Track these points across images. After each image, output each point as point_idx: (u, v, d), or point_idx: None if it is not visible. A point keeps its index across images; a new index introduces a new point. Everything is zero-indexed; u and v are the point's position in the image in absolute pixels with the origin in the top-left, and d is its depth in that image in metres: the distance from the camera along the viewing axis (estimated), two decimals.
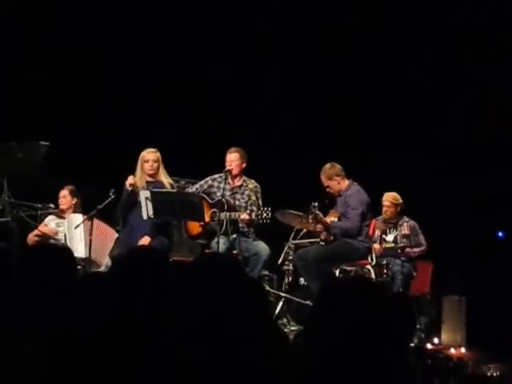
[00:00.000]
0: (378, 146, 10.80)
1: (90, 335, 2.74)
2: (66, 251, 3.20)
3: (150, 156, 8.37)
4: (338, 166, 8.81)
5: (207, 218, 8.45)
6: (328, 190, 8.83)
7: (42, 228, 8.87)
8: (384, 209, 9.64)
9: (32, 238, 8.74)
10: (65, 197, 8.97)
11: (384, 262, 9.26)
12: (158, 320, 2.76)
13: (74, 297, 2.94)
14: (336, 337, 2.29)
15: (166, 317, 2.75)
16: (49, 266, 2.89)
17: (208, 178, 8.77)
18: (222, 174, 8.62)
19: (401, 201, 9.61)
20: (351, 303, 2.31)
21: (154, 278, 2.95)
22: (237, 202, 8.61)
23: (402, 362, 2.32)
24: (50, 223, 8.94)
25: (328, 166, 8.82)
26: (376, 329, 2.26)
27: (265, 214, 8.17)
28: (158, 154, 8.41)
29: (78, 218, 8.77)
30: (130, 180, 8.30)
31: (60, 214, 8.97)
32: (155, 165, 8.34)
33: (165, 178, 8.39)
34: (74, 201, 8.95)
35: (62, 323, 2.74)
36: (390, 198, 9.61)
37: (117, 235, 8.69)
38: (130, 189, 8.27)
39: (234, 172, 8.63)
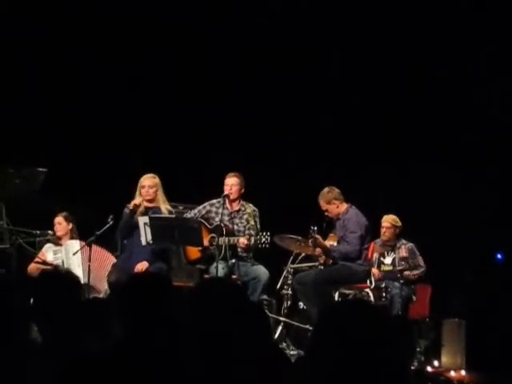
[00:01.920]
0: (376, 169, 10.80)
1: (103, 359, 2.74)
2: (72, 278, 3.22)
3: (146, 182, 8.38)
4: (337, 190, 8.84)
5: (206, 243, 8.45)
6: (326, 213, 8.85)
7: (41, 256, 8.87)
8: (383, 230, 9.63)
9: (33, 267, 8.73)
10: (60, 223, 8.99)
11: (383, 286, 9.24)
12: (164, 345, 2.76)
13: (81, 322, 2.95)
14: (337, 360, 2.29)
15: (171, 342, 2.75)
16: (58, 293, 2.91)
17: (206, 204, 8.78)
18: (220, 199, 8.63)
19: (400, 223, 9.62)
20: (352, 326, 2.31)
21: (160, 303, 2.95)
22: (235, 227, 8.62)
23: None
24: (48, 251, 8.95)
25: (326, 190, 8.85)
26: (377, 352, 2.26)
27: (263, 239, 8.18)
28: (157, 180, 8.41)
29: (75, 244, 8.80)
30: (136, 201, 8.30)
31: (57, 241, 8.97)
32: (151, 190, 8.34)
33: (163, 204, 8.39)
34: (70, 226, 8.99)
35: (76, 347, 2.74)
36: (389, 219, 9.62)
37: (115, 261, 8.69)
38: (131, 208, 8.26)
39: (233, 197, 8.64)
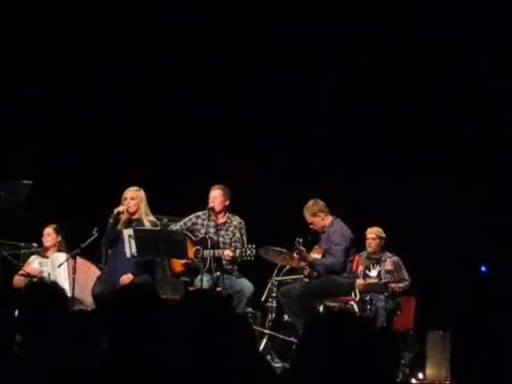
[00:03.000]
0: (360, 183, 10.83)
1: (90, 372, 2.74)
2: (58, 289, 3.21)
3: (127, 194, 8.37)
4: (322, 203, 8.86)
5: (191, 256, 8.44)
6: (312, 226, 8.86)
7: (26, 268, 8.84)
8: (368, 241, 9.65)
9: (18, 279, 8.71)
10: (49, 234, 8.99)
11: (367, 298, 9.26)
12: (151, 356, 2.76)
13: (67, 334, 2.94)
14: (323, 372, 2.30)
15: (158, 353, 2.75)
16: (44, 305, 2.90)
17: (192, 216, 8.77)
18: (205, 212, 8.63)
19: (384, 235, 9.65)
20: (337, 337, 2.31)
21: (147, 315, 2.95)
22: (221, 239, 8.61)
23: None
24: (34, 262, 8.93)
25: (311, 202, 8.86)
26: (363, 363, 2.26)
27: (249, 252, 8.18)
28: (139, 193, 8.39)
29: (61, 256, 8.79)
30: (120, 208, 8.28)
31: (43, 254, 8.96)
32: (132, 202, 8.32)
33: (145, 217, 8.37)
34: (59, 239, 8.99)
35: (62, 360, 2.74)
36: (374, 231, 9.64)
37: (100, 273, 8.68)
38: (114, 214, 8.25)
39: (217, 209, 8.64)
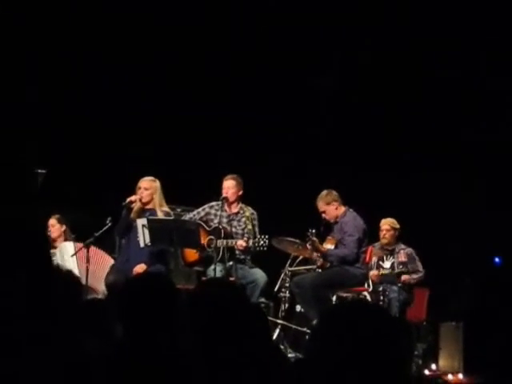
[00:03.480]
0: (374, 172, 10.80)
1: (104, 360, 2.74)
2: (73, 277, 3.21)
3: (141, 183, 8.37)
4: (335, 193, 8.86)
5: (204, 245, 8.45)
6: (324, 216, 8.86)
7: None
8: (383, 233, 9.61)
9: None
10: (53, 225, 9.06)
11: (380, 289, 9.24)
12: (164, 344, 2.77)
13: (82, 323, 2.94)
14: (338, 362, 2.29)
15: (171, 342, 2.75)
16: (59, 293, 2.90)
17: (205, 206, 8.78)
18: (219, 202, 8.63)
19: (398, 226, 9.61)
20: (352, 327, 2.30)
21: (162, 304, 2.95)
22: (233, 229, 8.62)
23: None
24: None
25: (325, 192, 8.86)
26: (378, 352, 2.25)
27: (262, 242, 8.19)
28: (154, 183, 8.38)
29: (69, 246, 8.84)
30: (132, 197, 8.29)
31: (52, 244, 8.99)
32: (146, 192, 8.31)
33: (159, 207, 8.36)
34: (63, 228, 9.06)
35: (76, 349, 2.74)
36: (388, 222, 9.59)
37: (113, 262, 8.70)
38: (125, 202, 8.25)
39: (230, 199, 8.64)
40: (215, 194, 8.71)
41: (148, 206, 8.36)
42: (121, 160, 10.61)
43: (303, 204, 9.42)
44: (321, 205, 8.84)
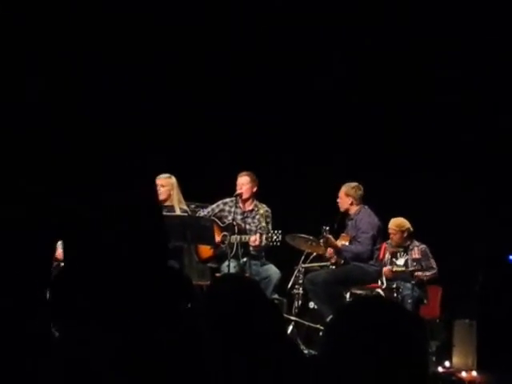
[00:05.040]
0: (388, 169, 10.78)
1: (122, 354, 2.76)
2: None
3: (158, 181, 8.39)
4: (360, 192, 8.90)
5: (218, 241, 8.46)
6: (338, 201, 8.91)
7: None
8: (390, 235, 9.59)
9: None
10: None
11: (394, 286, 9.23)
12: (184, 341, 2.78)
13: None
14: (354, 358, 2.29)
15: (190, 338, 2.76)
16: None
17: (219, 202, 8.79)
18: (233, 198, 8.65)
19: (407, 226, 9.50)
20: (370, 322, 2.30)
21: (179, 301, 2.96)
22: (247, 226, 8.63)
23: None
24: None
25: (353, 184, 8.91)
26: (395, 349, 2.25)
27: (275, 237, 8.20)
28: (170, 180, 8.41)
29: None
30: None
31: None
32: (162, 189, 8.33)
33: (177, 204, 8.39)
34: None
35: (85, 347, 2.75)
36: (394, 224, 9.49)
37: None
38: None
39: (245, 196, 8.65)
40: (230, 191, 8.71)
41: (166, 203, 8.37)
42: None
43: (317, 202, 9.43)
44: (341, 191, 8.91)
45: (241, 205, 8.69)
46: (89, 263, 2.97)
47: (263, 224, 8.57)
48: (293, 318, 9.20)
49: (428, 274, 9.48)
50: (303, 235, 9.08)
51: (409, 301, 9.12)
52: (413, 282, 9.23)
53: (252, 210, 8.72)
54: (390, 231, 9.57)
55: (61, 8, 3.56)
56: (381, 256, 9.01)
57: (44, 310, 2.93)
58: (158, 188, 8.36)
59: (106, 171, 3.26)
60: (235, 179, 8.73)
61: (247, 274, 8.34)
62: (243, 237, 8.40)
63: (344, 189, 8.91)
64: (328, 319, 7.76)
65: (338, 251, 8.77)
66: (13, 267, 2.97)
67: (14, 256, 2.98)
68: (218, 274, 8.50)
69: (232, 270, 8.22)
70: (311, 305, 9.39)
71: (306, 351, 8.66)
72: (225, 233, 8.51)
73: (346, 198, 8.87)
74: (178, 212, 8.31)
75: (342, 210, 8.91)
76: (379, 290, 8.99)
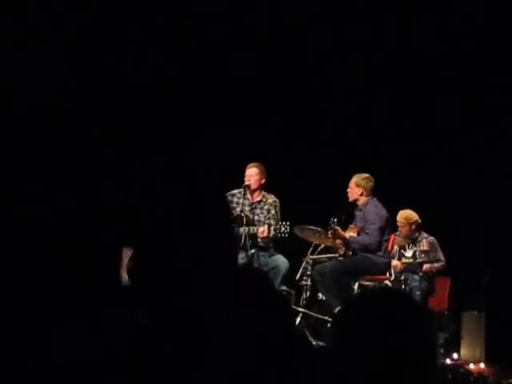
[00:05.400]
0: (397, 161, 10.77)
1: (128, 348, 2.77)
2: None
3: None
4: (371, 183, 8.89)
5: None
6: (347, 190, 8.91)
7: None
8: (398, 228, 9.57)
9: None
10: None
11: (402, 278, 9.23)
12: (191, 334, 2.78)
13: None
14: (363, 349, 2.28)
15: (198, 331, 2.76)
16: None
17: (227, 194, 8.79)
18: (241, 190, 8.65)
19: (415, 218, 9.48)
20: (379, 313, 2.30)
21: (188, 293, 2.96)
22: (256, 217, 8.64)
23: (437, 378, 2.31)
24: None
25: (365, 175, 8.90)
26: (406, 339, 2.25)
27: (283, 228, 8.20)
28: None
29: None
30: None
31: None
32: None
33: None
34: None
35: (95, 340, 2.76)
36: (402, 217, 9.47)
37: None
38: None
39: (253, 187, 8.65)
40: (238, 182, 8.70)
41: None
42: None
43: (326, 193, 9.42)
44: (352, 181, 8.91)
45: (249, 196, 8.69)
46: (89, 263, 2.97)
47: (273, 212, 8.57)
48: (301, 309, 9.20)
49: (436, 265, 9.47)
50: (311, 227, 9.08)
51: (417, 292, 9.12)
52: (421, 273, 9.23)
53: (260, 201, 8.72)
54: (399, 224, 9.57)
55: None
56: (389, 248, 9.02)
57: (44, 310, 2.93)
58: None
59: (105, 171, 3.26)
60: (244, 170, 8.72)
61: (256, 266, 8.35)
62: (251, 228, 8.41)
63: (355, 179, 8.90)
64: (336, 310, 7.76)
65: (347, 243, 8.77)
66: (13, 267, 2.97)
67: (14, 256, 2.99)
68: None
69: (240, 262, 8.22)
70: (319, 296, 9.38)
71: (314, 342, 8.65)
72: (233, 224, 8.52)
73: (357, 188, 8.86)
74: None
75: (350, 200, 8.91)
76: (387, 282, 8.99)
